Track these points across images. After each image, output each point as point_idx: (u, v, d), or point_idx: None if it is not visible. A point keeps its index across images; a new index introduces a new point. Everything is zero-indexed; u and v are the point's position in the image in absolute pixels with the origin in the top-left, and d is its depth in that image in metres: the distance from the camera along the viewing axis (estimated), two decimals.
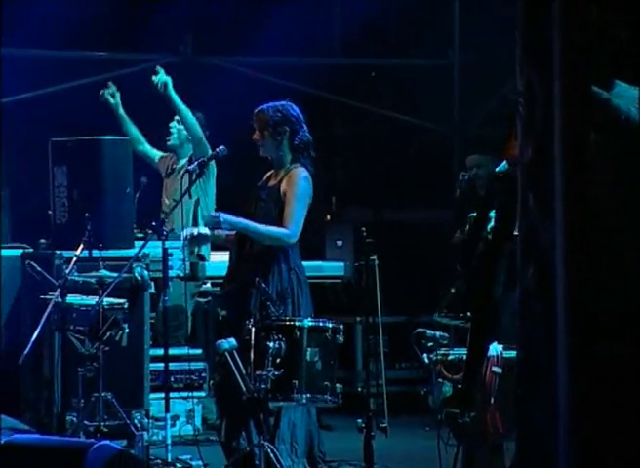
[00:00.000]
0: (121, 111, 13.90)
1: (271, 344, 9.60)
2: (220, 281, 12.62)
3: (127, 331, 12.07)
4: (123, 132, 13.98)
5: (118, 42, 16.80)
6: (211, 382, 12.71)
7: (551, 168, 4.82)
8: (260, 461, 9.60)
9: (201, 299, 13.79)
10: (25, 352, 11.84)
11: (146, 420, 12.36)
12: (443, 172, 16.99)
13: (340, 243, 14.68)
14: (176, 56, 16.95)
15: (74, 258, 11.94)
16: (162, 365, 12.46)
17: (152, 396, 13.04)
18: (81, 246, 12.04)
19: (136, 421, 12.17)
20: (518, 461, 6.33)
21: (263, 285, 9.79)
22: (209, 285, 13.13)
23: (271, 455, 9.62)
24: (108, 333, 11.90)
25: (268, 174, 10.88)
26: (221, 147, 10.72)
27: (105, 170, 12.82)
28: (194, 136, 13.75)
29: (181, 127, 13.47)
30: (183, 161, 13.62)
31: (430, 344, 8.76)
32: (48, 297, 12.23)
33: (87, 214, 11.87)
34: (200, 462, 11.15)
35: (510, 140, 7.50)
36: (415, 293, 15.74)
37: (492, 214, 7.58)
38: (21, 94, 16.05)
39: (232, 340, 9.78)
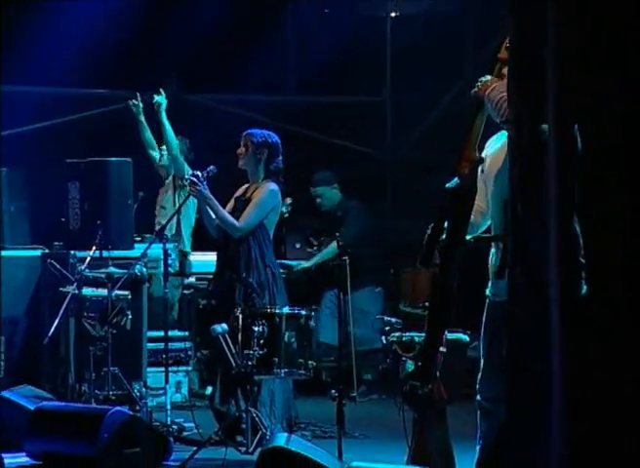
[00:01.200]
0: (142, 117, 13.81)
1: (256, 328, 9.60)
2: (203, 276, 12.53)
3: (130, 317, 12.15)
4: (140, 136, 14.02)
5: (112, 81, 16.44)
6: (195, 359, 12.62)
7: (536, 182, 4.69)
8: (247, 423, 9.59)
9: (185, 291, 13.51)
10: (49, 334, 11.69)
11: (144, 390, 12.17)
12: (378, 186, 16.73)
13: (297, 245, 14.44)
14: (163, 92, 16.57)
15: (88, 258, 11.87)
16: (155, 344, 12.84)
17: (148, 370, 12.87)
18: (93, 247, 11.95)
19: (136, 391, 11.93)
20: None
21: (250, 280, 9.69)
22: (193, 279, 12.83)
23: (256, 419, 9.52)
24: (115, 319, 11.91)
25: (245, 187, 10.81)
26: (211, 167, 10.51)
27: (111, 185, 12.77)
28: (170, 151, 13.64)
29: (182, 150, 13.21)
30: (170, 178, 13.22)
31: (387, 328, 8.59)
32: (65, 290, 12.20)
33: (98, 222, 11.80)
34: (192, 424, 10.84)
35: (460, 159, 7.34)
36: None
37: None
38: (38, 123, 15.74)
39: (224, 325, 9.80)
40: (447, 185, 7.36)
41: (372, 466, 7.32)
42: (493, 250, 7.42)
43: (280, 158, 10.75)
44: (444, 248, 7.34)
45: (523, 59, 5.31)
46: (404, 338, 8.67)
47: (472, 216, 7.44)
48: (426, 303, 7.71)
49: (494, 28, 17.55)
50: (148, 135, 14.12)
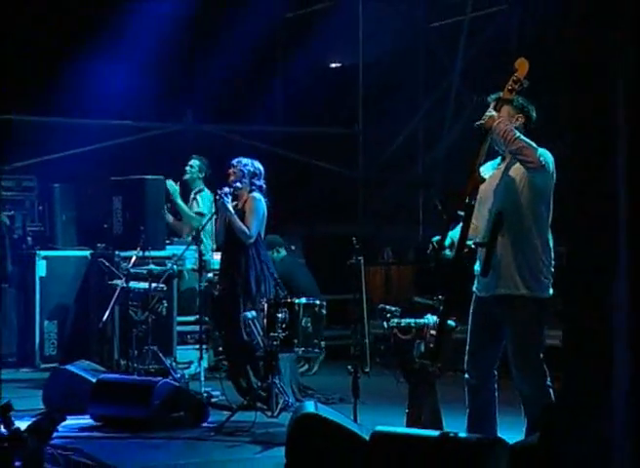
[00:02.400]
0: (178, 200, 13.54)
1: (279, 315, 9.41)
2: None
3: (165, 305, 12.14)
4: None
5: (143, 113, 16.17)
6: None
7: None
8: (272, 392, 9.47)
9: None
10: (104, 319, 11.50)
11: (174, 364, 12.02)
12: (350, 203, 16.53)
13: (293, 247, 14.25)
14: (179, 124, 16.33)
15: (134, 257, 11.69)
16: (181, 327, 12.86)
17: (178, 348, 12.69)
18: (138, 248, 11.75)
19: (168, 364, 11.70)
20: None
21: (276, 276, 9.54)
22: (210, 274, 12.60)
23: (277, 388, 9.43)
24: (154, 307, 11.84)
25: (233, 203, 10.62)
26: (237, 184, 10.32)
27: (147, 199, 12.65)
28: (190, 222, 13.44)
29: (194, 168, 12.91)
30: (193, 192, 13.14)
31: (388, 315, 8.41)
32: (114, 283, 12.07)
33: (142, 228, 11.66)
34: (218, 392, 10.68)
35: (468, 179, 7.16)
36: None
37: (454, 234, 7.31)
38: (82, 148, 15.50)
39: (254, 312, 9.78)
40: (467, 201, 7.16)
41: (394, 430, 7.04)
42: (479, 254, 7.19)
43: (262, 179, 10.77)
44: (454, 257, 7.16)
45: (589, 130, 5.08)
46: (402, 324, 8.41)
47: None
48: (439, 296, 7.16)
49: (440, 73, 17.52)
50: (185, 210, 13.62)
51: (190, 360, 12.62)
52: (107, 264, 12.32)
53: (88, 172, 15.16)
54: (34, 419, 7.39)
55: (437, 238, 7.29)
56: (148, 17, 15.95)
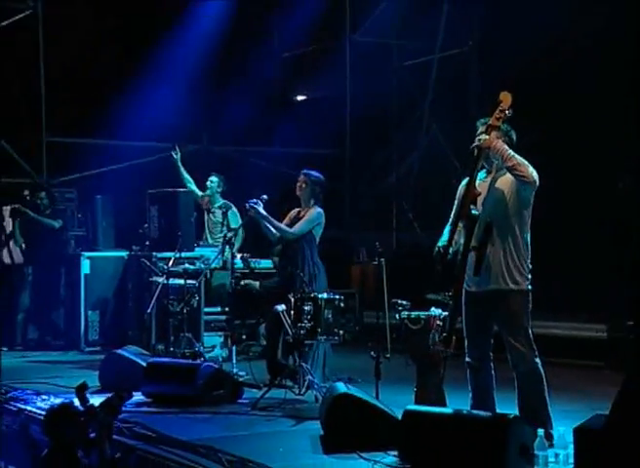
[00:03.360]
0: (179, 163, 13.07)
1: (306, 308, 9.15)
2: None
3: (197, 298, 11.84)
4: (180, 177, 13.23)
5: (160, 135, 15.85)
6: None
7: None
8: (301, 374, 9.22)
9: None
10: (149, 310, 11.26)
11: (202, 348, 11.62)
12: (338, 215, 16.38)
13: None
14: (196, 145, 16.08)
15: (172, 258, 11.48)
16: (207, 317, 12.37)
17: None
18: (175, 250, 11.54)
19: (197, 349, 11.40)
20: None
21: (301, 274, 9.26)
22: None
23: (306, 371, 9.13)
24: (189, 300, 11.50)
25: (297, 209, 10.37)
26: (264, 196, 10.08)
27: (179, 208, 12.37)
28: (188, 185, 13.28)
29: (214, 184, 12.63)
30: (216, 205, 12.86)
31: (400, 308, 8.22)
32: (155, 280, 11.96)
33: (179, 233, 11.46)
34: (244, 372, 10.35)
35: (467, 192, 7.06)
36: None
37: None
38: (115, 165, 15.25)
39: (283, 306, 9.48)
40: (473, 212, 6.97)
41: (425, 409, 6.82)
42: (471, 255, 7.03)
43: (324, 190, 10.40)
44: (460, 262, 7.07)
45: None
46: (412, 316, 8.23)
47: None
48: (450, 294, 7.09)
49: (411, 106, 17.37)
50: (185, 175, 13.39)
51: (213, 344, 12.31)
52: (148, 264, 12.13)
53: (121, 185, 15.01)
54: (106, 397, 7.09)
55: (443, 243, 7.19)
56: (177, 59, 15.79)
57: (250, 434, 7.91)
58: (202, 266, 11.98)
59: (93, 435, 6.78)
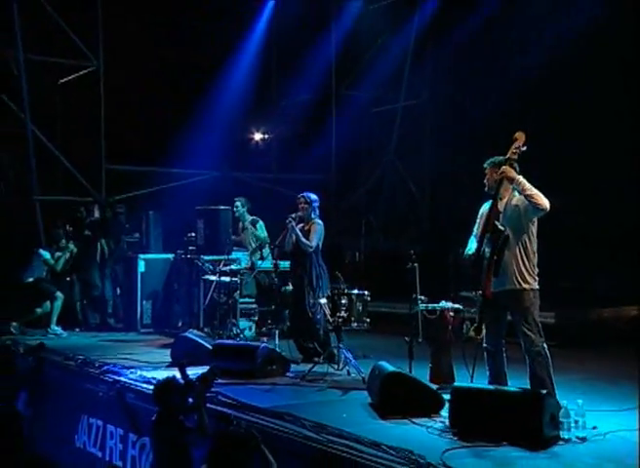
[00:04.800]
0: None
1: (342, 301, 8.85)
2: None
3: (238, 291, 11.25)
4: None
5: (183, 162, 15.42)
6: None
7: None
8: (339, 355, 8.82)
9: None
10: (205, 303, 10.80)
11: (238, 330, 11.05)
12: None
13: None
14: (217, 171, 15.68)
15: (223, 260, 11.24)
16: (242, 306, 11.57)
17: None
18: (219, 254, 11.41)
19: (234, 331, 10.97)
20: None
21: (339, 275, 8.88)
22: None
23: (343, 351, 8.71)
24: (233, 293, 11.07)
25: (300, 225, 9.82)
26: (299, 213, 9.61)
27: (220, 221, 11.90)
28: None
29: (239, 208, 12.07)
30: (247, 222, 12.06)
31: (419, 301, 7.90)
32: (206, 277, 11.52)
33: (228, 240, 11.14)
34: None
35: (491, 212, 6.80)
36: None
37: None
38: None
39: (324, 299, 9.05)
40: (499, 226, 6.71)
41: (471, 386, 6.46)
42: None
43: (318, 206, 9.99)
44: (488, 265, 6.73)
45: None
46: (429, 308, 7.97)
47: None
48: (479, 292, 6.73)
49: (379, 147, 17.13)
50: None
51: (243, 328, 11.69)
52: (201, 264, 11.65)
53: (165, 202, 14.69)
54: (202, 372, 6.75)
55: (473, 251, 6.93)
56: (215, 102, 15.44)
57: (309, 403, 7.48)
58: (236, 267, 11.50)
59: (191, 400, 6.51)
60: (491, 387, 6.34)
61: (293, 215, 9.70)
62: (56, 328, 12.56)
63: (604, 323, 11.68)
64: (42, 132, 14.22)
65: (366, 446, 5.75)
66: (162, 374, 8.61)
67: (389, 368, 7.16)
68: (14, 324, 12.31)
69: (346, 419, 6.65)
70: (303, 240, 9.56)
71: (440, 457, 5.45)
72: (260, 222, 12.12)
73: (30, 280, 12.65)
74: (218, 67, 15.41)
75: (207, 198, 13.97)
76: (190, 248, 12.11)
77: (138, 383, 8.45)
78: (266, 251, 11.41)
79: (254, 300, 11.83)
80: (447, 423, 6.37)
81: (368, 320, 8.91)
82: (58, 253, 12.92)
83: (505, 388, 6.33)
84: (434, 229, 16.20)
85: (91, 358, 9.84)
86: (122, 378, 8.71)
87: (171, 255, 13.14)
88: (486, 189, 7.08)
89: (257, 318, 11.78)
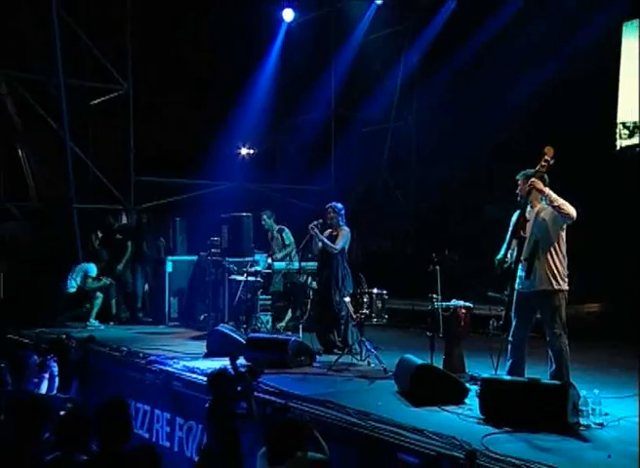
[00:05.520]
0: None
1: (365, 299, 8.57)
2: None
3: (261, 289, 11.03)
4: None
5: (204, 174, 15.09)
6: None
7: None
8: (362, 348, 8.59)
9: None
10: (236, 300, 10.56)
11: (259, 324, 10.80)
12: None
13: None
14: (233, 182, 15.45)
15: (249, 262, 10.94)
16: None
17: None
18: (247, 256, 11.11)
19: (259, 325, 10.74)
20: None
21: (362, 276, 8.64)
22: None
23: (365, 345, 8.50)
24: (256, 291, 10.81)
25: (330, 230, 9.58)
26: (320, 220, 9.40)
27: (243, 227, 11.43)
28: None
29: (265, 220, 11.89)
30: (275, 230, 11.86)
31: (434, 299, 7.77)
32: (233, 277, 11.07)
33: (252, 244, 10.83)
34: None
35: (520, 219, 6.68)
36: None
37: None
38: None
39: (348, 298, 8.77)
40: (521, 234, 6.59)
41: (498, 376, 6.27)
42: (522, 265, 6.67)
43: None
44: (514, 268, 6.67)
45: None
46: (443, 305, 7.79)
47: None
48: (507, 292, 6.67)
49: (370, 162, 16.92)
50: None
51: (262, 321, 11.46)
52: (228, 265, 11.26)
53: (187, 209, 14.31)
54: (249, 365, 6.57)
55: (500, 257, 6.78)
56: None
57: (342, 390, 7.21)
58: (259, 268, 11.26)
59: (239, 388, 6.35)
60: (519, 379, 6.14)
61: (315, 223, 9.48)
62: (94, 321, 12.34)
63: (581, 317, 11.54)
64: (77, 148, 13.93)
65: (410, 431, 5.55)
66: (202, 364, 8.46)
67: (417, 360, 6.96)
68: (92, 320, 12.27)
69: (382, 407, 6.43)
70: (329, 243, 9.35)
71: (481, 442, 5.27)
72: (286, 230, 11.90)
73: (72, 290, 12.37)
74: (236, 86, 15.15)
75: (224, 206, 13.71)
76: (213, 250, 11.82)
77: (183, 372, 8.22)
78: (293, 253, 11.23)
79: (270, 297, 11.63)
80: (474, 410, 6.19)
81: (386, 316, 8.65)
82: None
83: (534, 379, 6.12)
84: (420, 233, 16.05)
85: (134, 349, 9.58)
86: (168, 368, 8.46)
87: (194, 257, 12.85)
88: (518, 199, 6.90)
89: (273, 312, 11.56)
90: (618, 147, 12.46)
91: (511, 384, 5.97)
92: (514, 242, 6.67)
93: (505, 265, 6.71)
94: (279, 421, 5.52)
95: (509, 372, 6.66)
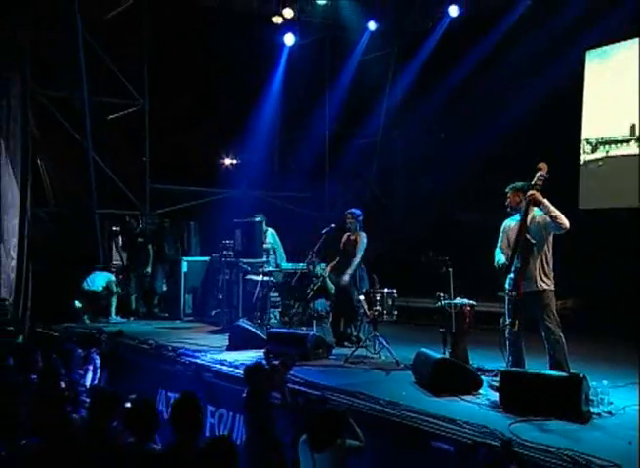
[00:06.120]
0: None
1: (377, 297, 8.46)
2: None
3: (274, 288, 10.98)
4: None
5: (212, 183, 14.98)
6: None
7: None
8: (375, 343, 8.39)
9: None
10: (255, 298, 10.37)
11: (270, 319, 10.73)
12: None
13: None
14: (235, 190, 15.24)
15: (263, 263, 10.69)
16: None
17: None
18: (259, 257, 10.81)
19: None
20: None
21: (375, 276, 8.51)
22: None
23: (379, 340, 8.34)
24: (269, 290, 10.69)
25: (348, 234, 9.45)
26: (333, 225, 9.27)
27: (255, 231, 11.24)
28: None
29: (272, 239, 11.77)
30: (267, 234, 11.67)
31: (441, 297, 7.63)
32: (249, 277, 10.97)
33: (267, 246, 10.62)
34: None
35: (521, 228, 6.56)
36: None
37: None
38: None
39: (362, 297, 8.62)
40: (531, 241, 6.52)
41: (515, 370, 6.18)
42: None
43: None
44: (519, 272, 6.52)
45: None
46: (451, 303, 7.65)
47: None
48: (514, 292, 6.50)
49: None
50: None
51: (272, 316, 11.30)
52: (244, 265, 11.07)
53: (198, 215, 14.07)
54: (282, 359, 6.42)
55: (503, 261, 6.71)
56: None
57: (364, 381, 7.05)
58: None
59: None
60: (535, 371, 6.05)
61: (332, 225, 9.43)
62: (115, 316, 12.10)
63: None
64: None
65: (441, 420, 5.44)
66: (228, 356, 8.30)
67: (435, 354, 6.87)
68: (114, 315, 12.10)
69: (406, 396, 6.33)
70: (356, 263, 9.22)
71: (508, 429, 5.18)
72: (270, 231, 11.73)
73: (100, 289, 12.12)
74: (244, 104, 14.94)
75: (231, 211, 13.47)
76: (225, 252, 11.62)
77: (212, 364, 8.04)
78: (272, 256, 11.19)
79: (277, 295, 11.49)
80: (491, 400, 6.10)
81: (396, 312, 8.53)
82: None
83: (546, 372, 6.04)
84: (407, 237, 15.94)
85: (160, 342, 9.39)
86: (197, 360, 8.28)
87: (207, 258, 12.67)
88: (508, 209, 6.87)
89: (280, 309, 11.44)
90: (582, 161, 12.48)
91: (529, 377, 5.88)
92: (518, 249, 6.57)
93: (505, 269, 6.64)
94: (319, 411, 5.40)
95: (512, 365, 6.58)
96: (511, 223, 6.86)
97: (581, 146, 12.44)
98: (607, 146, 12.05)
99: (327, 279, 10.38)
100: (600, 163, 12.16)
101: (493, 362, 7.23)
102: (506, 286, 6.64)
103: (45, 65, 13.33)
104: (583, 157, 12.40)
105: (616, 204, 11.30)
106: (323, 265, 10.44)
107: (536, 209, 6.60)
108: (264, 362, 6.53)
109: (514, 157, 11.86)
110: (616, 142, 11.96)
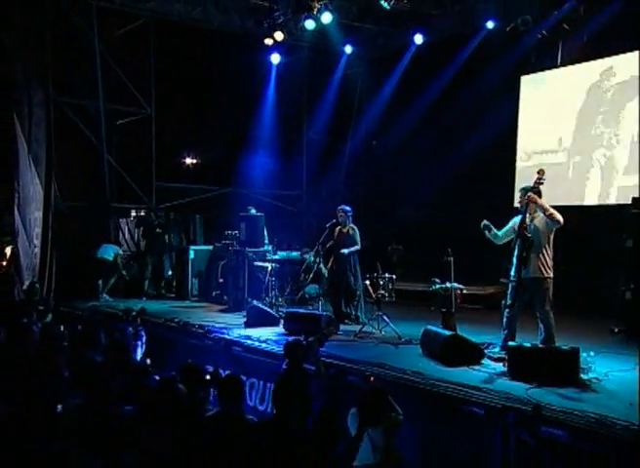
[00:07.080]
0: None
1: (381, 282, 8.40)
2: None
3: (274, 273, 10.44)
4: None
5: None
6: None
7: None
8: (379, 322, 8.27)
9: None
10: (264, 285, 10.03)
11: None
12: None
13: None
14: (227, 188, 14.91)
15: (268, 252, 10.40)
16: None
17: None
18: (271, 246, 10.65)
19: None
20: None
21: (378, 265, 8.41)
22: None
23: (382, 317, 8.23)
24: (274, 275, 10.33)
25: (339, 227, 9.24)
26: (334, 221, 9.14)
27: (258, 224, 10.94)
28: None
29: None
30: None
31: (436, 282, 7.62)
32: (258, 264, 10.56)
33: (275, 239, 10.45)
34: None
35: (521, 225, 6.55)
36: None
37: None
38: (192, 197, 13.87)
39: (368, 281, 8.53)
40: (528, 235, 6.47)
41: (521, 343, 6.18)
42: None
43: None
44: (518, 260, 6.52)
45: None
46: (443, 287, 7.57)
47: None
48: (515, 278, 6.49)
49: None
50: None
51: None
52: (252, 254, 10.70)
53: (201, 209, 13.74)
54: (317, 335, 6.32)
55: (488, 224, 6.81)
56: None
57: (378, 354, 6.92)
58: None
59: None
60: (537, 345, 6.09)
61: (334, 221, 9.27)
62: (105, 295, 11.72)
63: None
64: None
65: (468, 387, 5.42)
66: (250, 332, 8.11)
67: (443, 331, 6.86)
68: (104, 294, 11.52)
69: (423, 367, 6.28)
70: (355, 249, 9.05)
71: (526, 394, 5.20)
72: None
73: (109, 258, 11.68)
74: (240, 116, 14.63)
75: (224, 207, 13.25)
76: (227, 242, 11.34)
77: (240, 339, 7.86)
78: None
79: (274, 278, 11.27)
80: (497, 369, 6.12)
81: (394, 295, 8.46)
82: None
83: (553, 346, 6.06)
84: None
85: (185, 320, 9.13)
86: (226, 336, 8.08)
87: (211, 247, 12.37)
88: (519, 208, 6.85)
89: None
90: (518, 168, 12.79)
91: (533, 350, 5.91)
92: (518, 241, 6.60)
93: (486, 230, 6.71)
94: (368, 390, 5.30)
95: (505, 340, 6.62)
96: (518, 219, 6.87)
97: (517, 155, 12.75)
98: (539, 155, 12.35)
99: (322, 265, 10.30)
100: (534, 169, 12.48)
101: (477, 335, 7.24)
102: (511, 273, 6.66)
103: (64, 76, 12.81)
104: (519, 164, 12.68)
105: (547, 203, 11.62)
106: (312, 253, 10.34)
107: (538, 210, 6.62)
108: (302, 338, 6.39)
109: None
110: (547, 152, 12.29)
